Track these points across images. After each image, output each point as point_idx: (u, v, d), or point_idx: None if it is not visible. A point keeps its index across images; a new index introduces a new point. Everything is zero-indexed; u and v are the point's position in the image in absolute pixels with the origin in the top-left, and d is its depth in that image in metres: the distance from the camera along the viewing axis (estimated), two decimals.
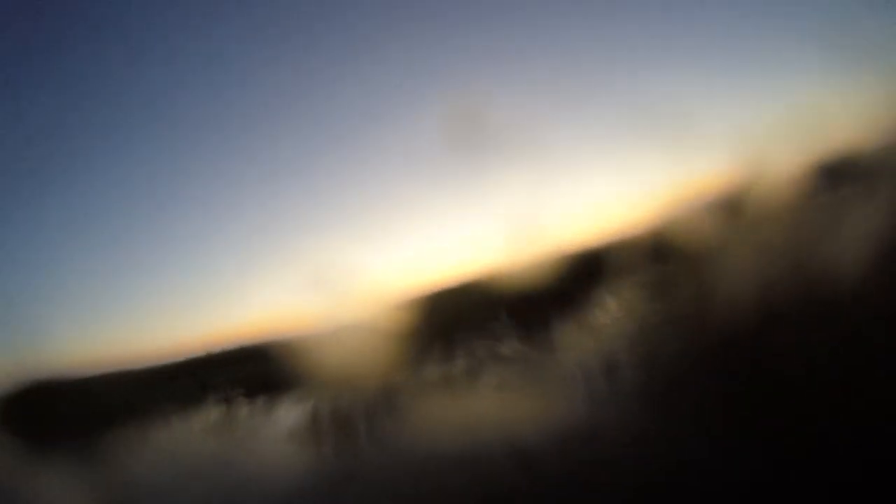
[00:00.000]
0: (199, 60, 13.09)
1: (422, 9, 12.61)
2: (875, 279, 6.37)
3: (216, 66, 13.06)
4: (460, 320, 8.47)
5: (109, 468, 8.51)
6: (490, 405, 7.11)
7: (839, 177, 7.66)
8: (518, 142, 9.51)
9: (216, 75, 13.20)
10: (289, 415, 8.32)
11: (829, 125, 8.88)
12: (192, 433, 9.52)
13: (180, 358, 10.80)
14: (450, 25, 12.42)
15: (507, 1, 12.39)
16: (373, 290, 8.35)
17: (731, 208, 7.76)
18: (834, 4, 10.71)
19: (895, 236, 6.80)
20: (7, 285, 10.83)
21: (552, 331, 7.87)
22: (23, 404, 8.34)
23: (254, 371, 8.86)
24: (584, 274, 8.08)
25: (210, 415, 9.46)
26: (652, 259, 7.82)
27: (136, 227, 12.82)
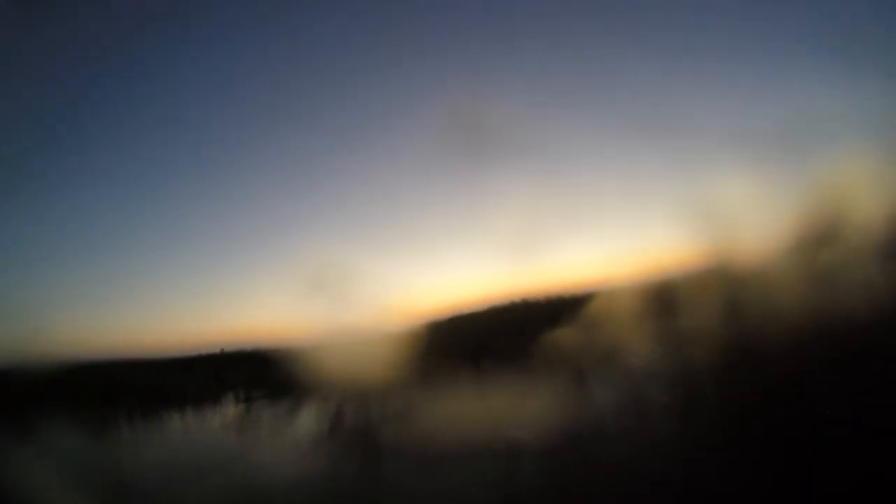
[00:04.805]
0: (203, 59, 12.97)
1: (431, 9, 12.46)
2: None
3: (221, 65, 12.94)
4: (477, 337, 8.63)
5: (119, 452, 8.67)
6: (506, 413, 7.31)
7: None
8: (534, 158, 9.59)
9: (223, 74, 13.09)
10: (306, 419, 8.51)
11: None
12: (207, 428, 9.71)
13: (194, 351, 10.98)
14: (464, 26, 12.28)
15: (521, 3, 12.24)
16: (390, 302, 8.52)
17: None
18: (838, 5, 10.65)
19: None
20: (23, 274, 11.02)
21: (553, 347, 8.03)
22: (35, 386, 8.42)
23: (269, 373, 9.03)
24: (587, 301, 8.21)
25: (227, 412, 9.66)
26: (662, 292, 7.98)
27: (151, 220, 12.90)
